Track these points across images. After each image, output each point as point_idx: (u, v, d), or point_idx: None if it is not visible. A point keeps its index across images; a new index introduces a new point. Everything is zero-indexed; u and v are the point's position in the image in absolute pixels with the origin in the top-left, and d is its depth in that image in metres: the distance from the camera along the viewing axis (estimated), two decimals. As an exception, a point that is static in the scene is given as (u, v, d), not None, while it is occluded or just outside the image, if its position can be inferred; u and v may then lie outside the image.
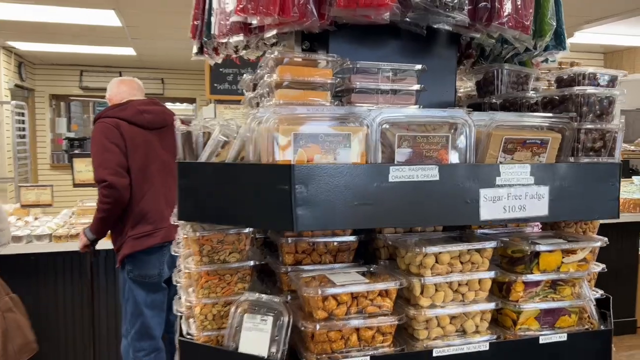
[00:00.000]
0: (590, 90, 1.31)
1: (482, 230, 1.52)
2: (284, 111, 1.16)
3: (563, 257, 1.34)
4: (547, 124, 1.27)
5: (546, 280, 1.34)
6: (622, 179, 5.13)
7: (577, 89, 1.32)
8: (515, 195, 1.24)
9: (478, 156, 1.25)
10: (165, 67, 9.28)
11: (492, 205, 1.23)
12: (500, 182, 1.23)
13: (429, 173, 1.18)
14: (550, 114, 1.31)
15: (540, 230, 1.65)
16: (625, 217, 4.59)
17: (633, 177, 5.30)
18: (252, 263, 1.34)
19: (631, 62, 7.56)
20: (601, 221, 5.09)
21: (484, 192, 1.22)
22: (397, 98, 1.44)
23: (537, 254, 1.31)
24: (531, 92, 1.49)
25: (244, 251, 1.35)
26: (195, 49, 1.91)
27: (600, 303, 1.63)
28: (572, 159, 1.31)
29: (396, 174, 1.16)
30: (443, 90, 1.68)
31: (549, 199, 1.26)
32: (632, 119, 8.50)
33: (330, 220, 1.13)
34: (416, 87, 1.44)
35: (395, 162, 1.20)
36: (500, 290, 1.38)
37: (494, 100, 1.61)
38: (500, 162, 1.25)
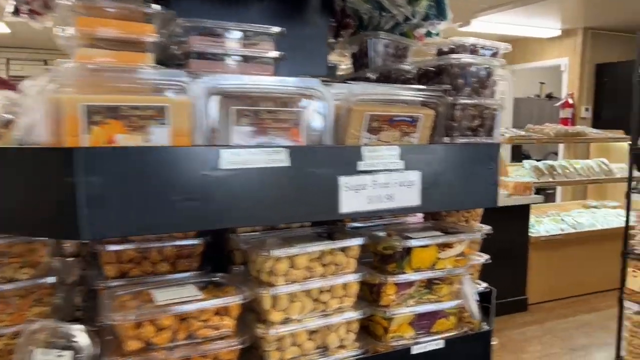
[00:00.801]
0: (466, 59, 1.14)
1: (355, 224, 1.33)
2: (72, 75, 0.85)
3: (439, 252, 1.17)
4: (417, 99, 1.08)
5: (421, 280, 1.17)
6: (514, 164, 5.27)
7: (452, 58, 1.14)
8: (382, 182, 1.04)
9: (337, 136, 1.03)
10: (48, 47, 8.28)
11: (354, 195, 1.01)
12: (363, 167, 1.02)
13: (276, 157, 0.94)
14: (419, 87, 1.12)
15: (423, 220, 1.49)
16: (516, 200, 4.76)
17: (524, 161, 5.53)
18: (52, 279, 1.02)
19: (522, 51, 7.98)
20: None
21: (344, 180, 1.00)
22: (251, 67, 1.18)
23: (408, 250, 1.13)
24: (406, 64, 1.30)
25: (41, 264, 1.03)
26: (9, 7, 1.51)
27: (484, 296, 1.51)
28: (447, 140, 1.14)
29: (231, 159, 0.90)
30: (312, 62, 1.46)
31: (421, 186, 1.08)
32: (523, 106, 9.05)
33: (137, 223, 0.85)
34: (273, 54, 1.19)
35: (231, 144, 0.94)
36: (371, 293, 1.19)
37: (369, 74, 1.40)
38: (365, 144, 1.04)
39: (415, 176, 1.07)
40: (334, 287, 1.08)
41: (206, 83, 0.90)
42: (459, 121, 1.13)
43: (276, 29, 1.19)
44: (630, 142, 3.46)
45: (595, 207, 5.84)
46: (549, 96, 8.93)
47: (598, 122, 7.02)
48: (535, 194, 5.13)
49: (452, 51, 1.39)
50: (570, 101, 7.05)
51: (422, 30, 1.64)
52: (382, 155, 1.03)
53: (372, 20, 1.57)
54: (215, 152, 0.89)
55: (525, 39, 7.72)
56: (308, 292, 1.06)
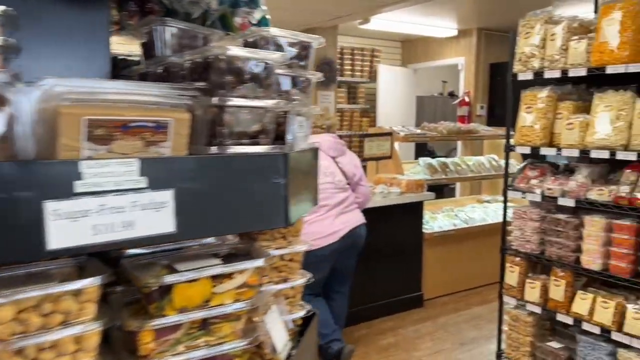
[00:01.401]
0: (234, 52, 0.94)
1: (138, 250, 1.09)
2: None
3: (214, 286, 0.97)
4: (156, 99, 0.86)
5: (191, 321, 0.96)
6: (411, 161, 5.27)
7: (216, 50, 0.94)
8: (115, 207, 0.81)
9: (45, 149, 0.79)
10: None
11: (70, 226, 0.78)
12: (83, 188, 0.79)
13: None
14: (165, 84, 0.90)
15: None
16: (410, 198, 4.77)
17: (419, 159, 5.59)
18: None
19: (424, 50, 8.15)
20: (388, 201, 5.19)
21: (53, 206, 0.76)
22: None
23: (169, 287, 0.91)
24: (176, 57, 1.07)
25: None
26: None
27: (306, 322, 1.35)
28: (214, 149, 0.93)
29: None
30: (90, 55, 1.20)
31: (175, 208, 0.87)
32: (427, 104, 9.28)
33: None
34: (-4, 40, 0.92)
35: None
36: (131, 341, 0.96)
37: (158, 69, 1.17)
38: (86, 157, 0.81)
39: (165, 197, 0.86)
40: (61, 342, 0.84)
41: None
42: (229, 126, 0.93)
43: (-1, 8, 0.92)
44: (506, 140, 3.53)
45: (488, 201, 6.06)
46: (451, 94, 9.23)
47: (492, 119, 7.33)
48: (436, 190, 5.20)
49: (255, 44, 1.20)
50: (467, 99, 7.29)
51: (239, 20, 1.44)
52: (113, 171, 0.81)
53: (175, 5, 1.34)
54: None
55: (426, 39, 7.89)
56: (21, 351, 0.81)
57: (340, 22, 6.43)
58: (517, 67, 3.36)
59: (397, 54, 8.43)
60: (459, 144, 7.55)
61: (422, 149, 8.57)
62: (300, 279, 1.31)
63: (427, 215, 5.18)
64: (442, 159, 5.61)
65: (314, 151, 1.23)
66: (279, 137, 1.04)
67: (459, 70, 7.63)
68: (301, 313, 1.31)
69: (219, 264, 0.97)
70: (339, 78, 7.15)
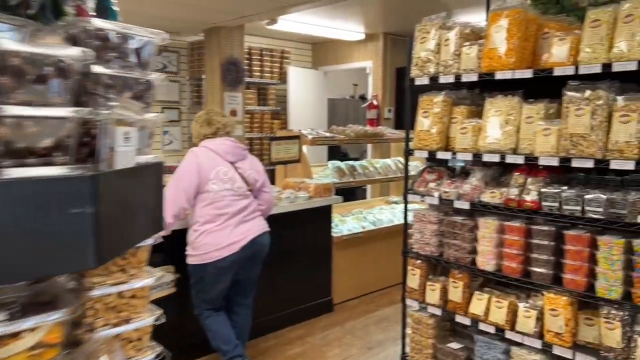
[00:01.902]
0: (5, 45, 0.72)
1: None
2: None
3: (-7, 350, 0.75)
4: None
5: (-42, 400, 0.73)
6: (321, 164, 5.17)
7: (-20, 43, 0.72)
8: None
9: None
10: None
11: None
12: None
13: None
14: None
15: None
16: (318, 202, 4.69)
17: (328, 162, 5.53)
18: None
19: (334, 53, 8.16)
20: (296, 206, 5.09)
21: None
22: None
23: None
24: None
25: None
26: None
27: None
28: (-18, 173, 0.72)
29: None
30: None
31: None
32: (339, 107, 9.33)
33: None
34: None
35: None
36: None
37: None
38: None
39: None
40: None
41: None
42: (5, 142, 0.71)
43: None
44: (405, 143, 3.53)
45: (395, 202, 6.15)
46: (362, 97, 9.35)
47: (399, 122, 7.49)
48: (348, 192, 5.15)
49: (74, 38, 0.98)
50: (375, 103, 7.39)
51: (70, 10, 1.20)
52: None
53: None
54: None
55: (335, 41, 7.90)
56: None
57: (246, 22, 6.22)
58: (414, 71, 3.36)
59: (308, 55, 8.37)
60: (369, 146, 7.64)
61: (336, 152, 8.58)
62: (148, 317, 1.11)
63: (336, 218, 5.13)
64: (351, 162, 5.59)
65: (155, 167, 1.03)
66: (92, 154, 0.83)
67: (367, 74, 7.71)
68: (149, 358, 1.11)
69: (5, 321, 0.75)
70: (248, 79, 6.93)
